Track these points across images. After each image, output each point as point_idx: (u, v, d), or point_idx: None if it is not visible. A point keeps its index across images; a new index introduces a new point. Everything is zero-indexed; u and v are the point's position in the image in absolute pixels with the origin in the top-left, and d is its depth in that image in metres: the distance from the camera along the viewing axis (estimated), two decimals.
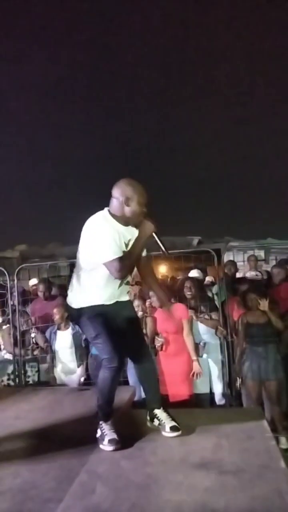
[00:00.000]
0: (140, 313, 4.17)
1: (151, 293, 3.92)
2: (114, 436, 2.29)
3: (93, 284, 2.39)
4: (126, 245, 2.35)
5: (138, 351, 2.55)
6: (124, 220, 2.36)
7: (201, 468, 2.02)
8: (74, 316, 2.61)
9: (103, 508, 1.74)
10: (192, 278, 4.71)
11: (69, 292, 2.55)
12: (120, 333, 2.40)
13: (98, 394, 2.43)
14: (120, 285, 2.42)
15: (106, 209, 2.40)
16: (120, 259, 2.25)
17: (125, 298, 2.56)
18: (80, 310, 2.44)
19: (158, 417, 2.48)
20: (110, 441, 2.27)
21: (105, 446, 2.27)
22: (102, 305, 2.41)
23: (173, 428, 2.39)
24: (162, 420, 2.45)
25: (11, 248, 9.24)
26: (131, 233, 2.39)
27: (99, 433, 2.35)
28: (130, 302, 2.69)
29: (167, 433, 2.40)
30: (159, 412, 2.49)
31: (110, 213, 2.36)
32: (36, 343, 4.45)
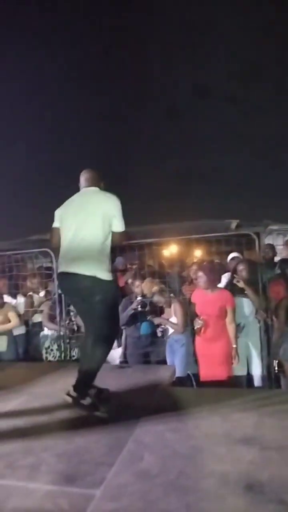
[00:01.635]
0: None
1: (193, 275, 3.97)
2: (105, 403, 2.55)
3: (108, 258, 2.68)
4: None
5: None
6: None
7: (244, 443, 2.10)
8: (93, 285, 2.59)
9: (152, 473, 1.86)
10: (242, 259, 4.70)
11: (80, 261, 2.62)
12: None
13: (94, 363, 2.60)
14: None
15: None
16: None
17: None
18: (111, 283, 2.64)
19: (91, 395, 2.58)
20: (104, 408, 2.52)
21: (102, 413, 2.50)
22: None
23: (105, 410, 2.54)
24: (95, 400, 2.58)
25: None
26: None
27: (88, 400, 2.53)
28: None
29: (100, 413, 2.52)
30: (93, 392, 2.62)
31: None
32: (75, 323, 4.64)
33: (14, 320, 4.74)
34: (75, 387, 2.57)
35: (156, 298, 4.39)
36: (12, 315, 4.74)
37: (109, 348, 2.70)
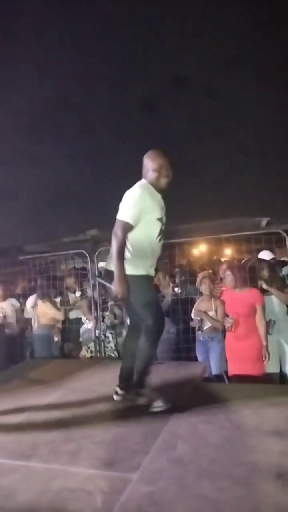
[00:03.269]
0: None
1: (222, 274, 4.02)
2: (161, 397, 2.55)
3: (141, 254, 2.65)
4: (162, 211, 2.71)
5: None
6: (158, 187, 2.71)
7: (275, 435, 2.16)
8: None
9: (185, 461, 1.96)
10: (263, 259, 4.71)
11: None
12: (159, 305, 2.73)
13: (140, 360, 2.65)
14: (158, 254, 2.73)
15: (143, 179, 2.75)
16: (126, 229, 2.57)
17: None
18: (133, 276, 2.64)
19: (144, 394, 2.64)
20: (162, 401, 2.53)
21: (158, 407, 2.52)
22: (147, 276, 2.66)
23: (163, 404, 2.55)
24: (151, 397, 2.61)
25: (83, 233, 9.76)
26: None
27: (143, 399, 2.59)
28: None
29: (157, 408, 2.54)
30: (146, 390, 2.66)
31: (147, 183, 2.72)
32: (114, 314, 4.80)
33: (58, 314, 4.97)
34: (123, 386, 2.71)
35: (203, 287, 4.40)
36: (54, 311, 4.98)
37: (150, 338, 2.64)
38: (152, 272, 2.73)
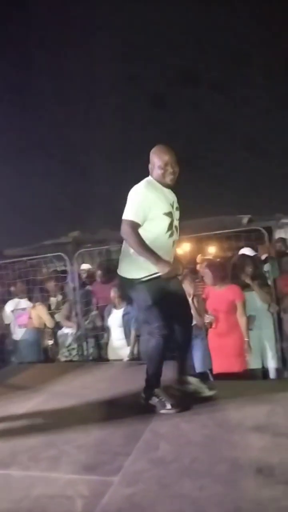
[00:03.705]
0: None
1: (201, 272, 4.03)
2: (174, 400, 2.50)
3: (129, 255, 2.56)
4: (172, 206, 2.62)
5: (183, 317, 2.73)
6: (164, 184, 2.63)
7: (256, 431, 2.17)
8: (127, 286, 2.68)
9: (167, 460, 1.95)
10: (247, 256, 4.73)
11: (120, 263, 2.70)
12: (169, 305, 2.56)
13: (150, 363, 2.60)
14: (170, 251, 2.61)
15: (149, 176, 2.68)
16: (134, 226, 2.49)
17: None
18: (133, 281, 2.58)
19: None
20: (172, 405, 2.48)
21: (169, 410, 2.47)
22: (153, 277, 2.52)
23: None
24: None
25: (65, 235, 9.70)
26: (174, 196, 2.69)
27: (155, 400, 2.53)
28: (176, 277, 2.73)
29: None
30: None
31: (153, 179, 2.64)
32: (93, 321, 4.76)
33: (47, 318, 4.91)
34: (144, 389, 2.62)
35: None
36: (43, 314, 4.93)
37: (157, 341, 2.53)
38: None
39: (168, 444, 2.12)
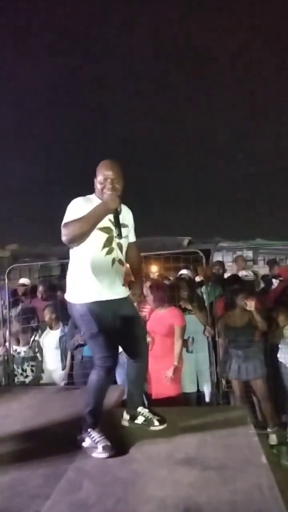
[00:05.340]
0: None
1: (145, 292, 3.96)
2: (107, 442, 2.25)
3: (84, 275, 2.38)
4: (112, 222, 2.42)
5: (134, 349, 2.55)
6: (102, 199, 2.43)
7: (185, 464, 2.09)
8: (72, 311, 2.47)
9: (89, 503, 1.79)
10: (184, 279, 4.76)
11: (67, 287, 2.51)
12: (117, 331, 2.39)
13: (89, 397, 2.38)
14: (110, 271, 2.42)
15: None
16: (68, 222, 2.32)
17: (123, 294, 2.50)
18: (76, 306, 2.39)
19: (142, 414, 2.56)
20: (104, 448, 2.22)
21: (99, 453, 2.22)
22: (99, 302, 2.36)
23: (160, 421, 2.50)
24: (148, 416, 2.53)
25: (2, 248, 9.22)
26: (127, 213, 2.59)
27: (88, 441, 2.29)
28: (128, 299, 2.56)
29: (155, 426, 2.49)
30: (141, 409, 2.57)
31: (96, 196, 2.49)
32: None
33: None
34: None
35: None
36: None
37: (99, 373, 2.36)
38: (109, 294, 2.40)
39: (92, 483, 1.96)
